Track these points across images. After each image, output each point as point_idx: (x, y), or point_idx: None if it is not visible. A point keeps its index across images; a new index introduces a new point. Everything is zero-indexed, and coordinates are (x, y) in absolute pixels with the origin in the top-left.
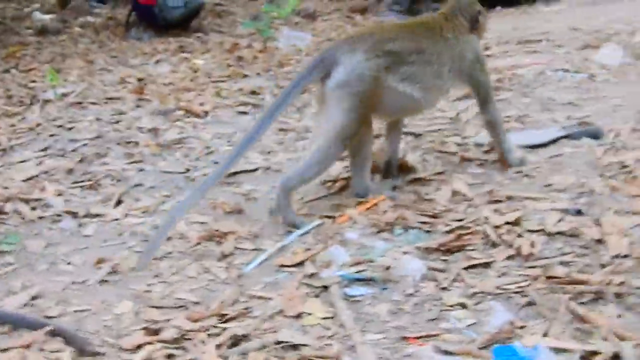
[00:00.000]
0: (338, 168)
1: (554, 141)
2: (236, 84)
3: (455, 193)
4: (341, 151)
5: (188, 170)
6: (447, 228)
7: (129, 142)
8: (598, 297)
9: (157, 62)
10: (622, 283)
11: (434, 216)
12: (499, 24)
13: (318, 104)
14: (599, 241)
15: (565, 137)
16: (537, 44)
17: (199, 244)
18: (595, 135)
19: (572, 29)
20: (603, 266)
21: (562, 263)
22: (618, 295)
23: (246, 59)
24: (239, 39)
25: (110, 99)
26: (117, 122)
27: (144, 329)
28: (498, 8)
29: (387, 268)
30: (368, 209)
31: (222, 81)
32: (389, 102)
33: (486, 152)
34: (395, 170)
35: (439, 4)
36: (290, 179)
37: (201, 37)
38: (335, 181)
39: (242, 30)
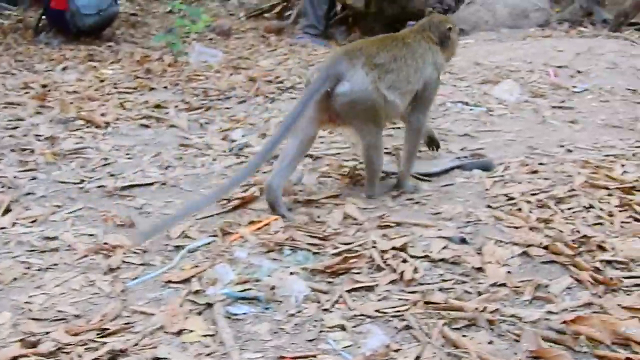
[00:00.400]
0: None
1: (447, 171)
2: (142, 96)
3: (346, 216)
4: (381, 143)
5: (82, 181)
6: (335, 251)
7: (24, 150)
8: (471, 323)
9: (64, 69)
10: (495, 310)
11: (323, 238)
12: None
13: (318, 112)
14: (479, 269)
15: (458, 167)
16: (442, 77)
17: (85, 256)
18: (487, 167)
19: (475, 64)
20: (480, 294)
21: (441, 289)
22: (491, 322)
23: (155, 71)
24: (151, 51)
25: (10, 103)
26: (14, 127)
27: (21, 341)
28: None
29: (272, 288)
30: (259, 228)
31: (128, 92)
32: (384, 109)
33: (382, 178)
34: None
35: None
36: (368, 182)
37: (112, 47)
38: (229, 200)
39: (154, 43)
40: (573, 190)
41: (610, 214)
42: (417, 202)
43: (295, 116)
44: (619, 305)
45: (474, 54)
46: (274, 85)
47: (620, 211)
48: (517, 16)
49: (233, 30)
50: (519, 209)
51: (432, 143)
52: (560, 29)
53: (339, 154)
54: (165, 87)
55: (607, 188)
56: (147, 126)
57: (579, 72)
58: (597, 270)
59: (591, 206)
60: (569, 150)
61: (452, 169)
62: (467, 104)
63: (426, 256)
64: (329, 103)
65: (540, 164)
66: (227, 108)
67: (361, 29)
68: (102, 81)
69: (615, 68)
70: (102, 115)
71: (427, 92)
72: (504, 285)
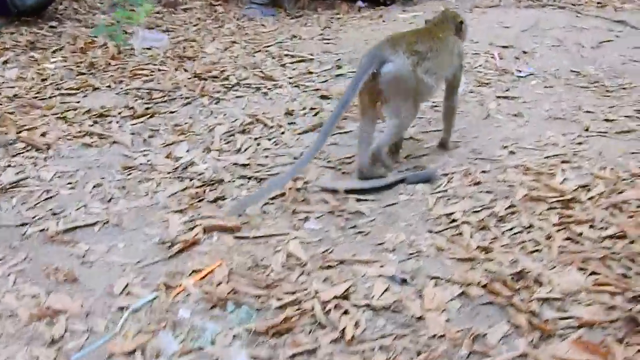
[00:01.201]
0: (176, 227)
1: (390, 185)
2: (85, 98)
3: (290, 256)
4: (410, 122)
5: (24, 224)
6: (279, 303)
7: None
8: None
9: (5, 62)
10: None
11: (267, 286)
12: (355, 31)
13: (367, 90)
14: (420, 318)
15: (402, 181)
16: None
17: (29, 324)
18: (430, 180)
19: None
20: (419, 353)
21: (382, 347)
22: None
23: (98, 65)
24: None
25: None
26: None
27: None
28: (360, 3)
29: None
30: (203, 278)
31: (71, 93)
32: (419, 90)
33: (326, 202)
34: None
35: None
36: (380, 145)
37: (55, 28)
38: (173, 244)
39: (99, 20)
40: (513, 206)
41: (549, 237)
42: (360, 232)
43: (351, 93)
44: (552, 357)
45: None
46: (219, 82)
47: (558, 230)
48: None
49: (179, 0)
50: (460, 233)
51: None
52: None
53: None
54: (109, 87)
55: (546, 201)
56: (89, 145)
57: (524, 52)
58: (532, 314)
59: (531, 225)
60: (512, 152)
61: (396, 183)
62: None
63: (367, 305)
64: (375, 82)
65: (483, 171)
66: (172, 112)
67: None
68: (44, 80)
69: (560, 45)
70: (43, 135)
71: (456, 76)
72: (443, 337)
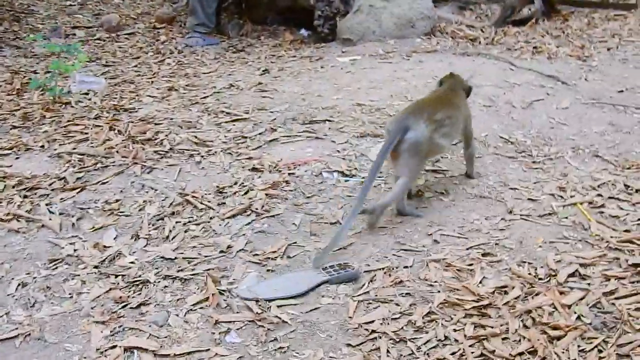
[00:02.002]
0: (98, 342)
1: (313, 288)
2: (17, 161)
3: None
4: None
5: None
6: None
7: None
8: None
9: None
10: None
11: None
12: (293, 80)
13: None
14: None
15: (326, 281)
16: (321, 127)
17: None
18: (353, 279)
19: (356, 105)
20: None
21: None
22: None
23: (33, 117)
24: (35, 61)
25: None
26: None
27: None
28: (303, 32)
29: None
30: None
31: (4, 154)
32: (434, 151)
33: (249, 309)
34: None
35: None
36: (383, 204)
37: None
38: None
39: (39, 49)
40: (432, 313)
41: (462, 354)
42: (280, 347)
43: (381, 158)
44: None
45: (355, 89)
46: (152, 147)
47: (471, 345)
48: (403, 26)
49: (122, 24)
50: (377, 348)
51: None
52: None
53: (209, 269)
54: (42, 147)
55: (464, 307)
56: (17, 231)
57: None
58: None
59: (447, 337)
60: (436, 241)
61: (320, 284)
62: (343, 173)
63: None
64: (396, 146)
65: (406, 267)
66: (104, 183)
67: (254, 21)
68: None
69: (491, 106)
70: None
71: (468, 129)
72: None
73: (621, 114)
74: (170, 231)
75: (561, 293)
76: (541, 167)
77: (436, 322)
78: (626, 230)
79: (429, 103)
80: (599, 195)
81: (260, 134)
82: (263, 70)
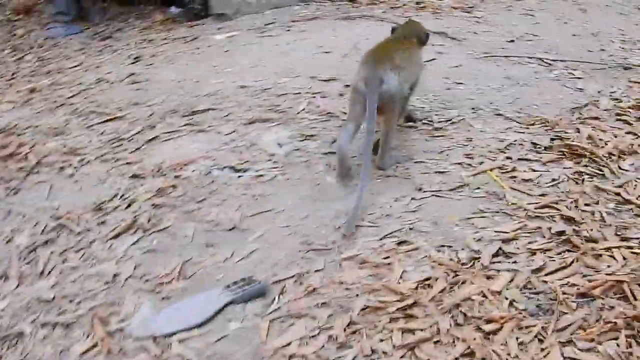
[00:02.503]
0: None
1: (218, 312)
2: None
3: None
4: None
5: None
6: None
7: None
8: None
9: None
10: None
11: None
12: (169, 65)
13: (362, 107)
14: None
15: (231, 302)
16: (204, 117)
17: None
18: (261, 294)
19: (239, 87)
20: None
21: None
22: None
23: None
24: None
25: None
26: None
27: None
28: (173, 9)
29: None
30: None
31: None
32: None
33: (146, 350)
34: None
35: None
36: (383, 155)
37: None
38: None
39: None
40: (354, 323)
41: None
42: None
43: (372, 121)
44: None
45: (238, 67)
46: (17, 163)
47: (402, 357)
48: None
49: None
50: None
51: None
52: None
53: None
54: None
55: (388, 311)
56: None
57: (347, 86)
58: None
59: (374, 351)
60: (346, 234)
61: (224, 307)
62: (234, 168)
63: None
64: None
65: (317, 270)
66: None
67: (119, 2)
68: None
69: None
70: None
71: (417, 81)
72: None
73: (515, 66)
74: (46, 264)
75: (488, 278)
76: (443, 133)
77: (360, 333)
78: (542, 195)
79: (386, 50)
80: (508, 158)
81: (138, 133)
82: (134, 59)
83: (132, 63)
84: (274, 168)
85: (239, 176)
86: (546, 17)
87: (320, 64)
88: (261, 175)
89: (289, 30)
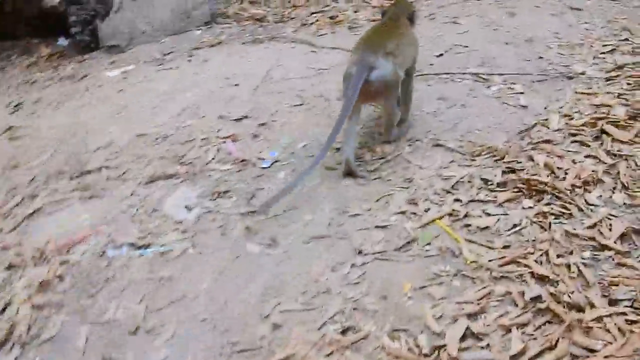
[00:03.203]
0: None
1: None
2: None
3: None
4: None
5: None
6: None
7: None
8: None
9: None
10: None
11: None
12: (54, 113)
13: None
14: None
15: None
16: (96, 178)
17: None
18: None
19: (138, 136)
20: None
21: None
22: None
23: None
24: None
25: None
26: None
27: None
28: (61, 40)
29: None
30: None
31: None
32: (398, 82)
33: None
34: None
35: None
36: (387, 131)
37: None
38: None
39: None
40: None
41: None
42: None
43: (351, 101)
44: None
45: (135, 110)
46: None
47: None
48: (177, 18)
49: None
50: None
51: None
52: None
53: None
54: None
55: None
56: None
57: (262, 124)
58: None
59: None
60: (277, 326)
61: None
62: (133, 245)
63: None
64: (365, 87)
65: None
66: None
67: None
68: None
69: (302, 104)
70: None
71: (414, 62)
72: None
73: (449, 84)
74: None
75: None
76: (379, 174)
77: None
78: (505, 247)
79: (378, 35)
80: (457, 200)
81: (16, 206)
82: (14, 106)
83: (12, 112)
84: (183, 239)
85: (141, 254)
86: (474, 25)
87: (228, 100)
88: (168, 251)
89: (190, 60)
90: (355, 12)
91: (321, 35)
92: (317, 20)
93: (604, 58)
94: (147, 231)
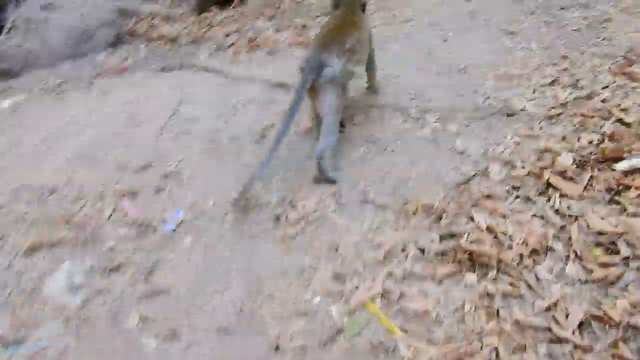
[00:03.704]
0: None
1: None
2: None
3: None
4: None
5: None
6: None
7: None
8: None
9: None
10: None
11: None
12: None
13: (309, 94)
14: None
15: None
16: None
17: None
18: None
19: (19, 188)
20: None
21: None
22: None
23: None
24: None
25: None
26: None
27: None
28: None
29: None
30: None
31: None
32: (349, 78)
33: None
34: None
35: None
36: (323, 149)
37: None
38: None
39: None
40: None
41: None
42: None
43: (298, 99)
44: None
45: (18, 155)
46: None
47: None
48: (78, 40)
49: None
50: None
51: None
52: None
53: None
54: None
55: None
56: None
57: (166, 175)
58: None
59: None
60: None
61: None
62: (3, 340)
63: None
64: (315, 83)
65: None
66: None
67: None
68: None
69: (213, 149)
70: None
71: (372, 50)
72: None
73: (377, 123)
74: None
75: None
76: (302, 238)
77: None
78: (448, 339)
79: (336, 31)
80: (390, 274)
81: None
82: None
83: None
84: (65, 332)
85: (11, 355)
86: (405, 50)
87: (129, 143)
88: (44, 348)
89: (89, 90)
90: (277, 31)
91: (238, 62)
92: (234, 44)
93: (544, 92)
94: (21, 321)
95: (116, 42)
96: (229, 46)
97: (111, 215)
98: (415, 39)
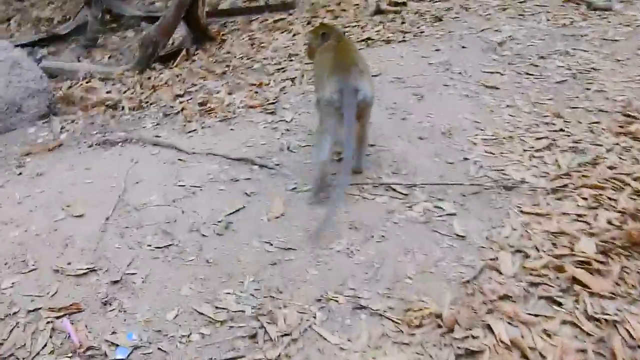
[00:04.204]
0: None
1: None
2: None
3: None
4: None
5: None
6: None
7: None
8: None
9: None
10: None
11: None
12: None
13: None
14: None
15: None
16: None
17: None
18: None
19: None
20: None
21: None
22: None
23: None
24: None
25: None
26: None
27: None
28: None
29: None
30: None
31: None
32: None
33: None
34: None
35: None
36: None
37: None
38: None
39: None
40: None
41: None
42: None
43: (352, 122)
44: None
45: None
46: None
47: None
48: (4, 112)
49: None
50: None
51: None
52: (71, 119)
53: None
54: None
55: None
56: None
57: (114, 282)
58: None
59: None
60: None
61: None
62: None
63: None
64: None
65: None
66: None
67: None
68: None
69: (170, 244)
70: None
71: None
72: None
73: (359, 203)
74: None
75: None
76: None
77: None
78: None
79: (347, 58)
80: None
81: None
82: None
83: None
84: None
85: None
86: (377, 112)
87: (68, 241)
88: None
89: (19, 173)
90: (229, 93)
91: (190, 131)
92: (184, 109)
93: (542, 157)
94: None
95: (48, 114)
96: (178, 112)
97: (48, 341)
98: (386, 98)
